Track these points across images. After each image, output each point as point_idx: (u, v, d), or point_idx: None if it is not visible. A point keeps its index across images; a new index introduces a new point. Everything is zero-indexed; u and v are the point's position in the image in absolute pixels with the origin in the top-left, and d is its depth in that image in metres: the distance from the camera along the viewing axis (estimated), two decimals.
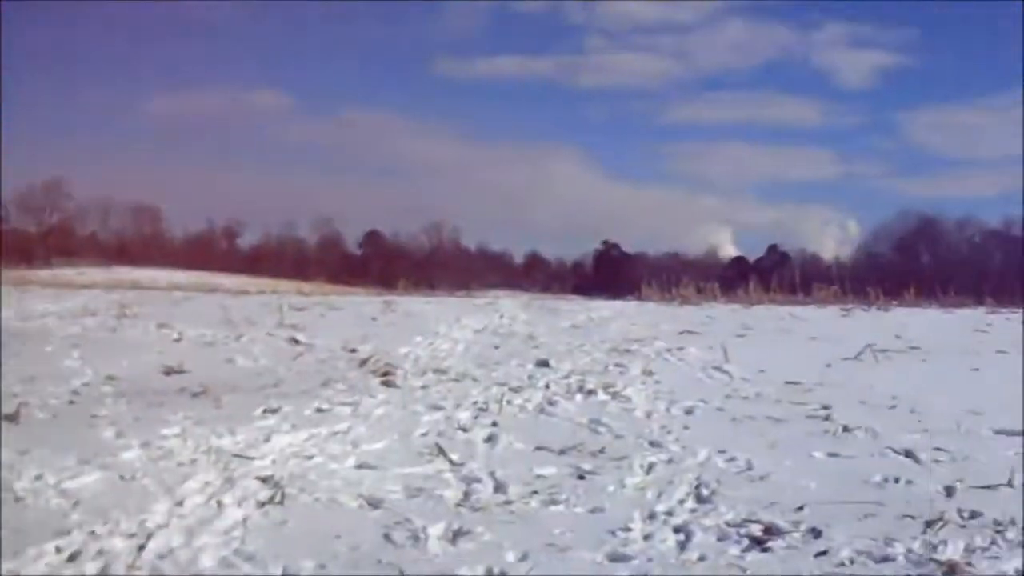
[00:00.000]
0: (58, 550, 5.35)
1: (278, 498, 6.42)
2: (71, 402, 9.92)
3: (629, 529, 5.98)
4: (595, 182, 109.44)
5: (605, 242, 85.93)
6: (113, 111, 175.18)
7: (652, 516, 6.25)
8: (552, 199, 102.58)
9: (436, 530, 5.88)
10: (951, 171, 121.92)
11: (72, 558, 5.27)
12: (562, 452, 7.93)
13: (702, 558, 5.51)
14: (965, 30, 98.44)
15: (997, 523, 6.00)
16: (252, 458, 7.48)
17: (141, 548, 5.41)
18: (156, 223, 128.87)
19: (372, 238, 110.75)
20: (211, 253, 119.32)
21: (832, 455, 7.97)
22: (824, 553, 5.55)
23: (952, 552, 5.51)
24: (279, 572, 5.20)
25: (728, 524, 6.08)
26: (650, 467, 7.49)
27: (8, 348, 13.23)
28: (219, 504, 6.29)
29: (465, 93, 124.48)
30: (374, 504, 6.45)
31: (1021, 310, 18.59)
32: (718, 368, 12.30)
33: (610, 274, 67.00)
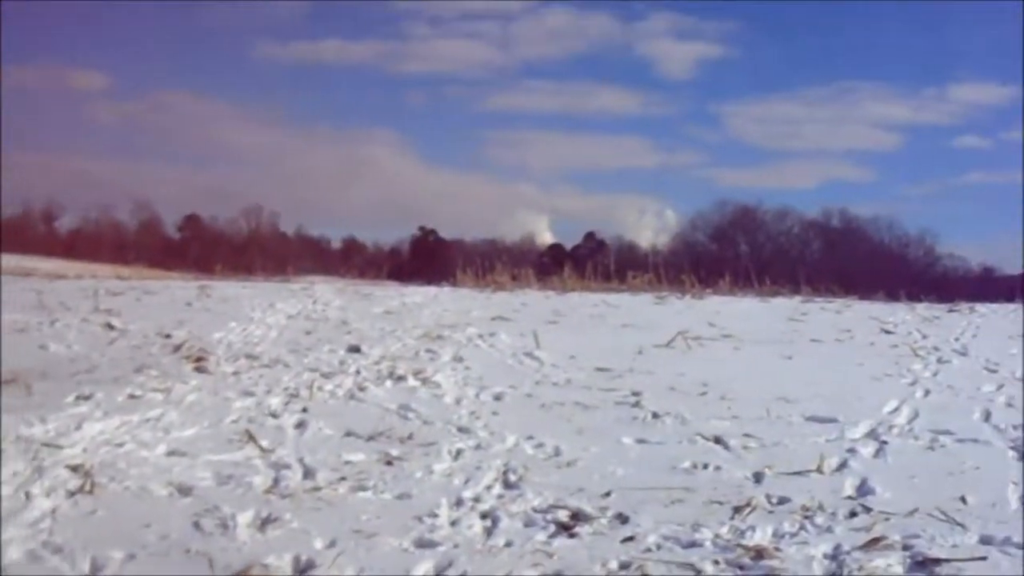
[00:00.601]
0: None
1: (88, 487, 6.44)
2: None
3: (436, 515, 6.16)
4: (414, 168, 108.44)
5: (422, 228, 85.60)
6: None
7: (459, 502, 6.45)
8: (370, 184, 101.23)
9: (245, 518, 6.00)
10: (770, 162, 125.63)
11: None
12: (371, 438, 8.12)
13: (508, 544, 5.69)
14: (787, 24, 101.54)
15: (805, 509, 6.33)
16: (62, 447, 7.44)
17: None
18: None
19: (191, 222, 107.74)
20: (28, 236, 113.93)
21: (641, 441, 8.24)
22: (631, 539, 5.76)
23: (760, 537, 5.79)
24: (87, 563, 5.24)
25: (535, 510, 6.30)
26: (458, 453, 7.72)
27: None
28: (27, 495, 6.27)
29: (284, 77, 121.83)
30: (184, 492, 6.54)
31: (837, 300, 19.24)
32: (529, 354, 12.53)
33: (427, 260, 66.80)
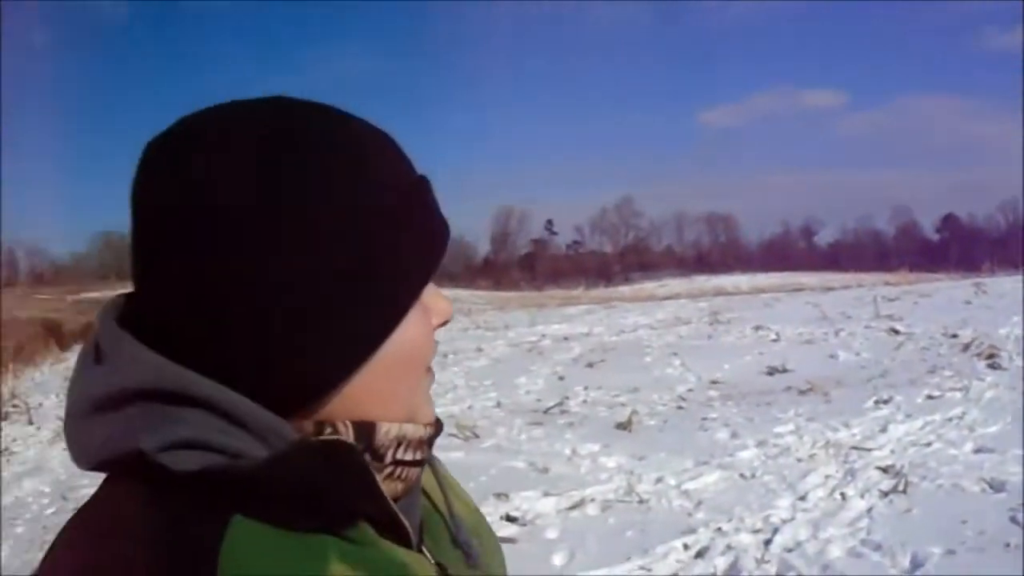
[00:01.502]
0: (685, 547, 5.75)
1: (901, 487, 6.42)
2: (679, 408, 10.54)
3: None
4: None
5: None
6: (668, 126, 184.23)
7: None
8: None
9: None
10: None
11: (700, 554, 5.65)
12: None
13: None
14: None
15: None
16: (870, 449, 7.51)
17: (767, 543, 5.65)
18: (731, 231, 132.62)
19: (949, 222, 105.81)
20: (789, 253, 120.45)
21: None
22: None
23: None
24: (907, 560, 5.22)
25: None
26: None
27: (608, 362, 14.33)
28: (842, 496, 6.41)
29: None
30: (997, 487, 6.28)
31: None
32: None
33: None
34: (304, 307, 0.77)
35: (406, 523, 0.83)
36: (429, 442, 0.89)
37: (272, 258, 0.76)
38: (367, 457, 0.81)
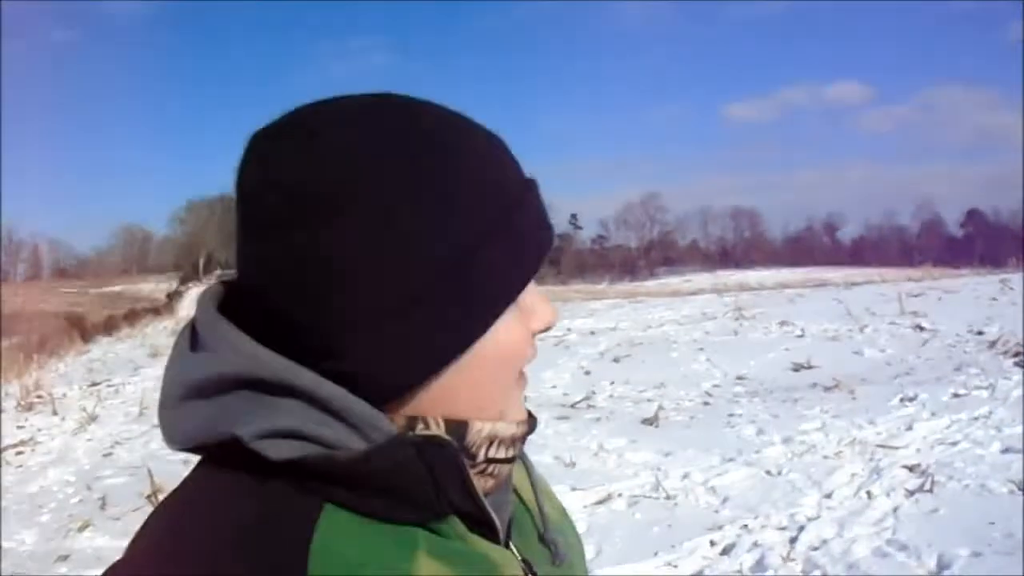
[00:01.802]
0: (712, 544, 5.78)
1: (927, 486, 6.42)
2: (706, 403, 10.57)
3: None
4: None
5: None
6: (693, 121, 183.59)
7: None
8: None
9: None
10: None
11: (726, 551, 5.69)
12: None
13: None
14: None
15: None
16: (896, 447, 7.52)
17: (793, 540, 5.68)
18: (756, 225, 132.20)
19: (973, 217, 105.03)
20: (813, 248, 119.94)
21: None
22: None
23: None
24: (933, 560, 5.22)
25: None
26: None
27: (634, 357, 14.34)
28: (868, 495, 6.43)
29: None
30: None
31: None
32: None
33: None
34: (403, 299, 0.79)
35: (495, 519, 0.86)
36: (522, 439, 0.91)
37: (374, 249, 0.79)
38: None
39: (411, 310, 0.80)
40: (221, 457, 0.80)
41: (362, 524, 0.79)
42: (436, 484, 0.81)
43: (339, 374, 0.80)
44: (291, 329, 0.81)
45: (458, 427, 0.85)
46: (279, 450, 0.78)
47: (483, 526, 0.86)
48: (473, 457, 0.86)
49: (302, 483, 0.79)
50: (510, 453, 0.89)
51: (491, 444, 0.87)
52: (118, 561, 0.81)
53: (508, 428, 0.89)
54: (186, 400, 0.82)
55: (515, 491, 0.99)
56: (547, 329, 0.91)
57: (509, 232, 0.83)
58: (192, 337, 0.85)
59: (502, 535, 0.89)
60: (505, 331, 0.85)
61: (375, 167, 0.80)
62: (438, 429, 0.84)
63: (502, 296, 0.84)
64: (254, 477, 0.79)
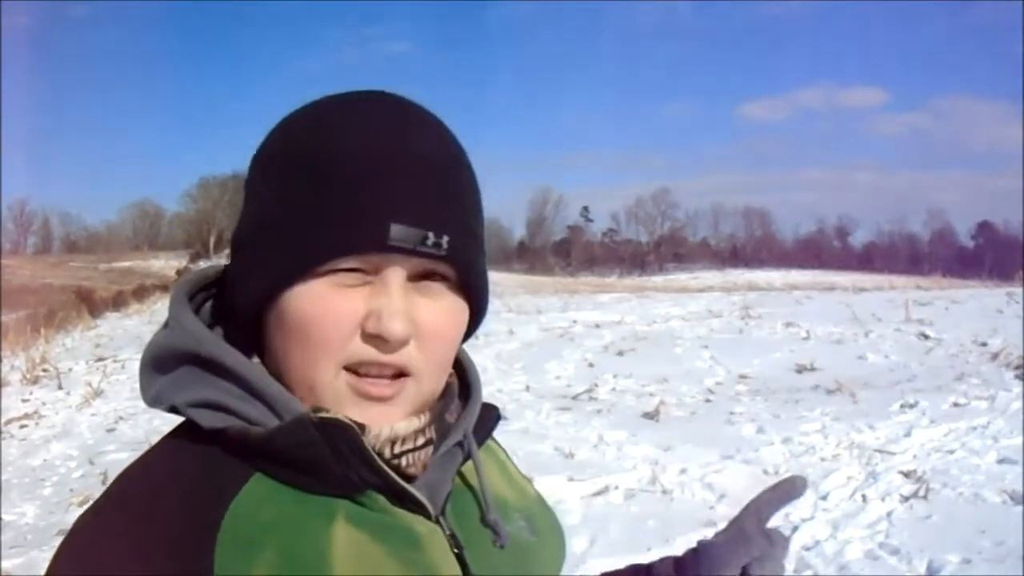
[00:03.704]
0: None
1: (922, 492, 6.46)
2: (707, 400, 10.60)
3: None
4: None
5: None
6: (707, 119, 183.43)
7: None
8: None
9: None
10: None
11: None
12: None
13: None
14: None
15: None
16: (893, 453, 7.56)
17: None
18: (766, 225, 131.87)
19: (984, 229, 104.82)
20: (823, 251, 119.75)
21: None
22: None
23: None
24: (923, 565, 5.27)
25: None
26: None
27: (638, 351, 14.39)
28: (863, 498, 6.47)
29: None
30: (1016, 499, 6.28)
31: None
32: None
33: None
34: (244, 244, 0.93)
35: (417, 494, 0.91)
36: (429, 425, 0.94)
37: (257, 199, 0.94)
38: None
39: (246, 252, 0.93)
40: (183, 424, 0.93)
41: (285, 492, 0.87)
42: (342, 462, 0.86)
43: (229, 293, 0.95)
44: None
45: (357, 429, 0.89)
46: (209, 419, 0.89)
47: (408, 502, 0.91)
48: (380, 454, 0.90)
49: (235, 452, 0.88)
50: (419, 441, 0.93)
51: (393, 444, 0.92)
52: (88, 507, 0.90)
53: (410, 426, 0.92)
54: (152, 370, 0.94)
55: (462, 475, 1.03)
56: (378, 337, 0.89)
57: (308, 206, 0.88)
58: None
59: (433, 512, 0.94)
60: (301, 300, 0.89)
61: (276, 153, 0.95)
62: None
63: (290, 260, 0.88)
64: (201, 444, 0.89)
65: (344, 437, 0.86)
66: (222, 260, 1.05)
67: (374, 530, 0.88)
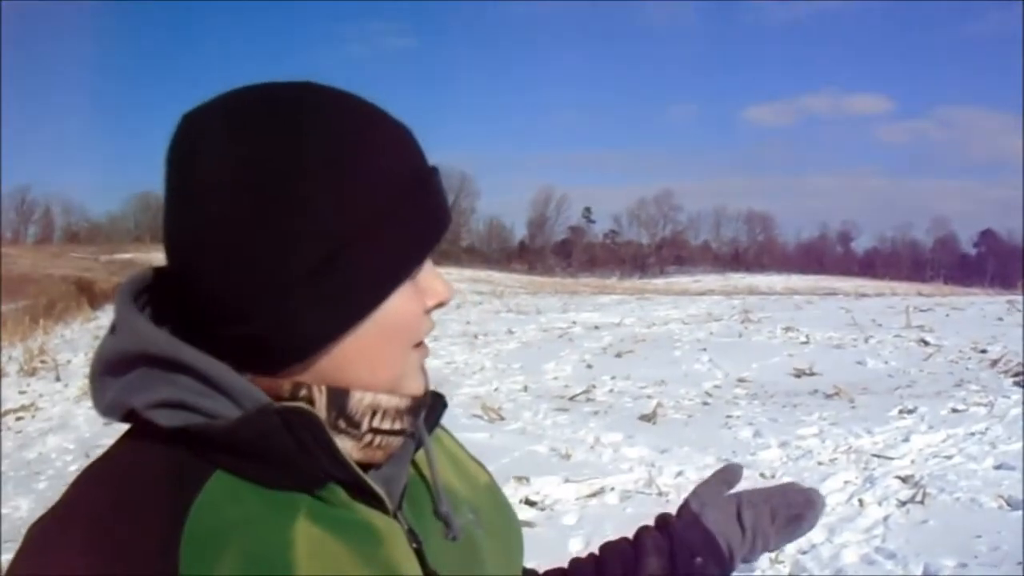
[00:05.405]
0: None
1: (919, 497, 6.45)
2: (705, 403, 10.59)
3: None
4: None
5: None
6: (711, 122, 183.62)
7: None
8: None
9: None
10: None
11: None
12: None
13: None
14: None
15: None
16: (891, 458, 7.54)
17: None
18: (769, 230, 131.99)
19: (986, 237, 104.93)
20: (824, 257, 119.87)
21: None
22: None
23: None
24: (919, 570, 5.26)
25: None
26: None
27: (637, 353, 14.38)
28: (860, 503, 6.46)
29: None
30: (1014, 505, 6.27)
31: None
32: None
33: None
34: (296, 270, 0.85)
35: (376, 488, 0.91)
36: (410, 412, 0.95)
37: (270, 222, 0.85)
38: (342, 423, 0.90)
39: (303, 280, 0.86)
40: (140, 426, 0.89)
41: (247, 488, 0.86)
42: (304, 453, 0.86)
43: (247, 337, 0.87)
44: (194, 301, 0.89)
45: (339, 395, 0.90)
46: (168, 418, 0.86)
47: (367, 495, 0.90)
48: (357, 426, 0.91)
49: (196, 450, 0.86)
50: (396, 425, 0.94)
51: (374, 414, 0.92)
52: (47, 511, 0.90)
53: (392, 400, 0.93)
54: (103, 376, 0.91)
55: (416, 464, 1.03)
56: (441, 305, 0.97)
57: (398, 217, 0.88)
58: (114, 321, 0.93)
59: (391, 506, 0.94)
60: (397, 304, 0.91)
61: (267, 148, 0.86)
62: (320, 397, 0.90)
63: (391, 275, 0.90)
64: (161, 444, 0.87)
65: (307, 425, 0.85)
66: None
67: (335, 527, 0.87)
